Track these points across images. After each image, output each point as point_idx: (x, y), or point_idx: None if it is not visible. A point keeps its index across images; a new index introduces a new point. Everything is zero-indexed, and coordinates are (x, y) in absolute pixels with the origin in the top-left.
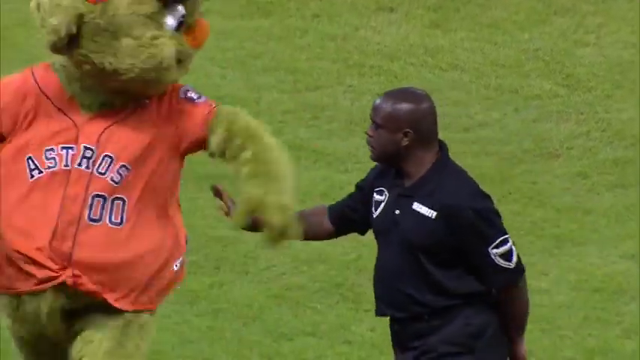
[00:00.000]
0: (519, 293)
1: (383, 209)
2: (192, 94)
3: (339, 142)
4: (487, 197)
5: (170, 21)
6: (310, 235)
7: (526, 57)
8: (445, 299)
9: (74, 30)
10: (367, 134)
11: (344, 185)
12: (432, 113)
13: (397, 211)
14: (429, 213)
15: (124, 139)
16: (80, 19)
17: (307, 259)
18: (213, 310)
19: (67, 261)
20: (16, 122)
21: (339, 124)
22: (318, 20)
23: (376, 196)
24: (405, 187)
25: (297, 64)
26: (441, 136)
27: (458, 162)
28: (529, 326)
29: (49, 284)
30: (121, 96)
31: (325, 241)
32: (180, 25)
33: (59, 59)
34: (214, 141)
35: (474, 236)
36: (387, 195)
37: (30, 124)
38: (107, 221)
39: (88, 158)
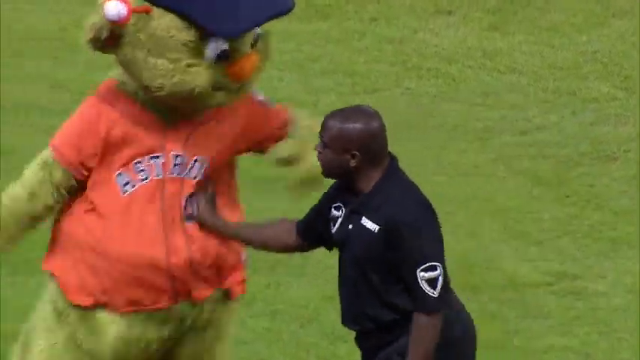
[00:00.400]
0: (427, 327)
1: (339, 225)
2: (262, 98)
3: (396, 144)
4: (429, 218)
5: (210, 52)
6: (272, 244)
7: (584, 60)
8: (393, 314)
9: (104, 34)
10: (317, 150)
11: None
12: (381, 132)
13: (350, 226)
14: (373, 227)
15: (208, 142)
16: (121, 27)
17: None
18: (270, 311)
19: (187, 267)
20: (98, 153)
21: (396, 127)
22: (376, 23)
23: (333, 212)
24: (356, 202)
25: (355, 66)
26: (498, 139)
27: (515, 165)
28: (587, 329)
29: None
30: (175, 110)
31: None
32: (222, 58)
33: (118, 75)
34: (286, 148)
35: (406, 253)
36: (343, 210)
37: (112, 146)
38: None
39: (179, 165)
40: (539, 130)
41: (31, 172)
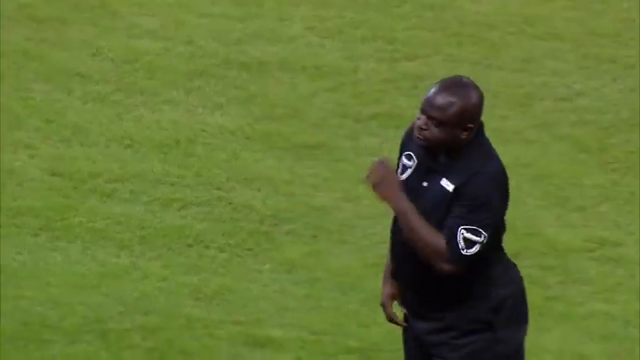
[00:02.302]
0: (434, 245)
1: (410, 175)
2: None
3: None
4: (503, 190)
5: None
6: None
7: (625, 26)
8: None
9: None
10: (420, 127)
11: None
12: (483, 102)
13: (425, 183)
14: (450, 187)
15: None
16: None
17: None
18: (311, 278)
19: None
20: None
21: None
22: None
23: (404, 160)
24: (439, 162)
25: (395, 33)
26: (539, 105)
27: (556, 131)
28: (627, 295)
29: None
30: None
31: None
32: None
33: None
34: None
35: (465, 206)
36: (416, 163)
37: None
38: None
39: None
40: (580, 96)
41: None
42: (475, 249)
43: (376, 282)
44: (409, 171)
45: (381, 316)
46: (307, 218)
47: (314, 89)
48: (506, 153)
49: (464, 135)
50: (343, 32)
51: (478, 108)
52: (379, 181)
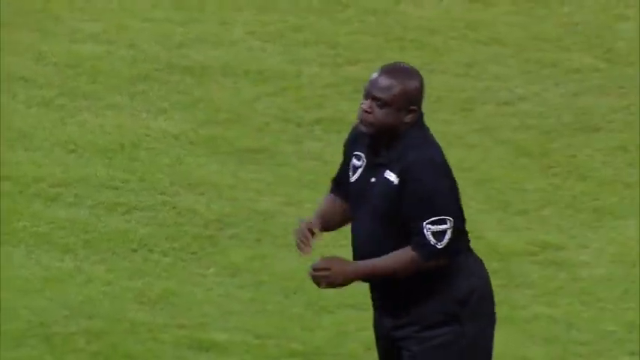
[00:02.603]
0: (412, 262)
1: (360, 175)
2: None
3: None
4: (446, 172)
5: None
6: (339, 223)
7: (566, 31)
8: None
9: None
10: (364, 110)
11: None
12: (424, 84)
13: (373, 179)
14: (395, 179)
15: None
16: None
17: (347, 233)
18: (255, 282)
19: None
20: None
21: None
22: None
23: (354, 161)
24: (381, 155)
25: (338, 38)
26: (481, 109)
27: (498, 135)
28: (570, 298)
29: None
30: None
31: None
32: None
33: None
34: None
35: (418, 203)
36: (365, 161)
37: None
38: None
39: None
40: (522, 100)
41: None
42: (447, 237)
43: None
44: (359, 171)
45: (325, 319)
46: (251, 222)
47: (256, 94)
48: (448, 157)
49: (408, 118)
50: (285, 36)
51: (420, 90)
52: (328, 278)
